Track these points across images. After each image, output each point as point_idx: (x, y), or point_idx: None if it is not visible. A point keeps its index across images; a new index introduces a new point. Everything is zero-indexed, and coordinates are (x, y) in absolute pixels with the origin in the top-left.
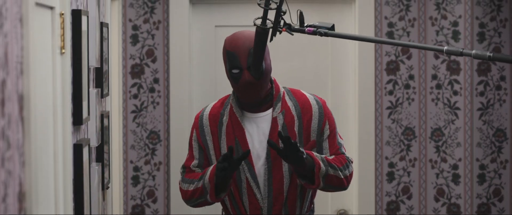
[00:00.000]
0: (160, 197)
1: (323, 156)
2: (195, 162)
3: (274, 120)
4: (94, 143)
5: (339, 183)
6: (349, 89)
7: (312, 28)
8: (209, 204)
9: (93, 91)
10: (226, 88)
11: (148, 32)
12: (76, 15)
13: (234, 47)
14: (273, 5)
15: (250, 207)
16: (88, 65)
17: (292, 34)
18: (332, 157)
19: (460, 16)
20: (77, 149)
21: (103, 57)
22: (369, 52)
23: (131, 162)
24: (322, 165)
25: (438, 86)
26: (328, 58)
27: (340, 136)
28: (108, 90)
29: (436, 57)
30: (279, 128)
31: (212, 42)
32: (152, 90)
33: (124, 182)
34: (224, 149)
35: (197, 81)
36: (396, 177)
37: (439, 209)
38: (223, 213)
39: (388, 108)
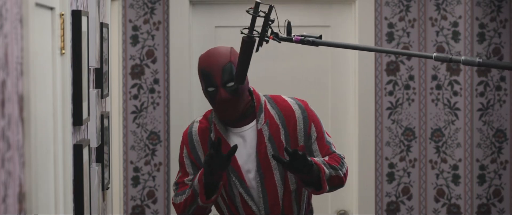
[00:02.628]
0: (160, 197)
1: (322, 159)
2: (190, 177)
3: (259, 132)
4: (94, 143)
5: (339, 182)
6: (349, 90)
7: (300, 37)
8: (204, 209)
9: (93, 92)
10: None
11: (148, 33)
12: (76, 15)
13: (207, 65)
14: (262, 14)
15: None
16: (88, 66)
17: (280, 42)
18: (327, 158)
19: (460, 17)
20: (77, 150)
21: (103, 58)
22: (369, 53)
23: (131, 162)
24: (325, 168)
25: (438, 87)
26: (328, 59)
27: (327, 134)
28: (108, 91)
29: None
30: (266, 139)
31: (212, 42)
32: (152, 91)
33: (124, 183)
34: None
35: (197, 82)
36: (396, 178)
37: (439, 210)
38: None
39: (388, 108)
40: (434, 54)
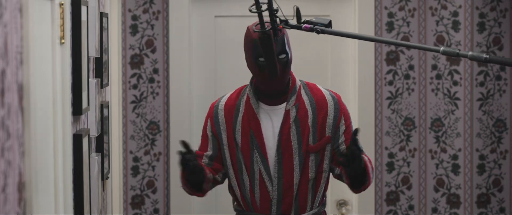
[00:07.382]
0: (160, 187)
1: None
2: (208, 153)
3: (286, 113)
4: (93, 133)
5: (369, 184)
6: (349, 80)
7: (309, 25)
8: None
9: (93, 81)
10: (225, 78)
11: (147, 22)
12: (76, 5)
13: None
14: (264, 7)
15: (261, 198)
16: (87, 56)
17: (289, 29)
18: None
19: (460, 6)
20: (77, 139)
21: (102, 48)
22: (369, 43)
23: (131, 152)
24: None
25: (438, 77)
26: (328, 48)
27: None
28: (108, 81)
29: None
30: (291, 121)
31: (211, 32)
32: (151, 80)
33: (123, 173)
34: (238, 140)
35: (197, 72)
36: (396, 168)
37: (439, 200)
38: (235, 203)
39: (388, 98)
40: (442, 48)
